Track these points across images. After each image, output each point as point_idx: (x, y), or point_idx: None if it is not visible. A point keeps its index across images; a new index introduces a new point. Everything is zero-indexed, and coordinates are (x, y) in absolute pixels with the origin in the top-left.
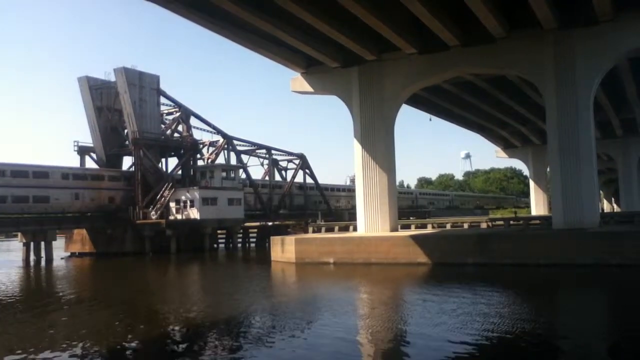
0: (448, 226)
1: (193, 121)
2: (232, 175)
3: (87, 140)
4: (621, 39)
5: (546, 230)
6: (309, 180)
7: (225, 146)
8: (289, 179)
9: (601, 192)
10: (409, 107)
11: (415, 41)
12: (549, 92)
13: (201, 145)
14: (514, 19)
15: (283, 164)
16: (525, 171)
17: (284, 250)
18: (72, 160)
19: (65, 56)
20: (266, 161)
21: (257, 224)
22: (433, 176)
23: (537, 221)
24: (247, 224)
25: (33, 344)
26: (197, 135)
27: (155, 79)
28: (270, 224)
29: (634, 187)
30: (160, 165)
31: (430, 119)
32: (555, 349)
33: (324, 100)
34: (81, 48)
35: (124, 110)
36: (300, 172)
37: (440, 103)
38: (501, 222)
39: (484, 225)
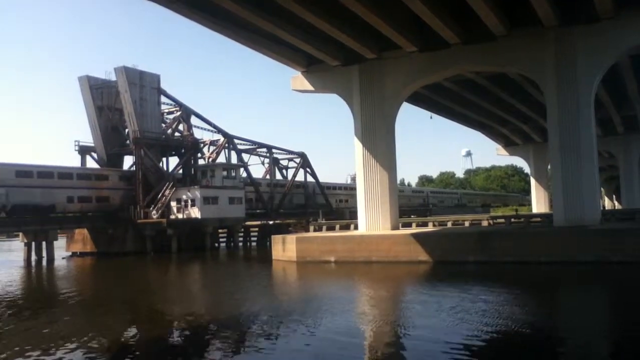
0: (449, 224)
1: (194, 120)
2: (233, 174)
3: (87, 139)
4: (622, 36)
5: (547, 228)
6: (309, 178)
7: (226, 145)
8: (289, 177)
9: (602, 189)
10: (409, 105)
11: (415, 39)
12: (550, 89)
13: (202, 145)
14: (514, 16)
15: (284, 162)
16: (526, 169)
17: (285, 249)
18: (72, 160)
19: (65, 56)
20: (267, 160)
21: (258, 222)
22: (434, 174)
23: (538, 219)
24: (248, 223)
25: (33, 344)
26: (197, 134)
27: (156, 78)
28: (271, 222)
29: (635, 184)
30: (161, 164)
31: (431, 117)
32: (556, 348)
33: (324, 99)
34: (81, 48)
35: (125, 110)
36: (301, 171)
37: (441, 101)
38: (502, 220)
39: (485, 223)
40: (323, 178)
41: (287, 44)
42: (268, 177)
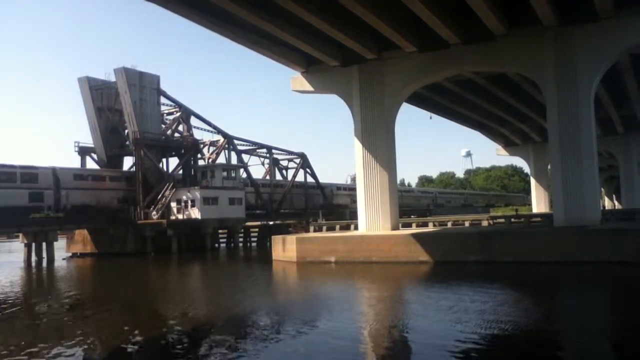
0: (449, 224)
1: (193, 121)
2: (233, 174)
3: (87, 140)
4: (622, 36)
5: (547, 228)
6: (309, 179)
7: (226, 146)
8: (289, 178)
9: (602, 189)
10: (409, 106)
11: (415, 39)
12: (549, 89)
13: (202, 145)
14: (514, 16)
15: (284, 163)
16: (526, 169)
17: (285, 249)
18: (72, 161)
19: (65, 56)
20: (267, 160)
21: (258, 223)
22: (434, 174)
23: (538, 219)
24: (248, 224)
25: (34, 344)
26: (197, 135)
27: (156, 79)
28: (271, 223)
29: (635, 184)
30: (161, 165)
31: (431, 117)
32: (556, 348)
33: (324, 99)
34: (81, 48)
35: (125, 111)
36: (301, 171)
37: (441, 101)
38: (502, 220)
39: (485, 223)
40: (323, 178)
41: (287, 44)
42: (268, 177)
